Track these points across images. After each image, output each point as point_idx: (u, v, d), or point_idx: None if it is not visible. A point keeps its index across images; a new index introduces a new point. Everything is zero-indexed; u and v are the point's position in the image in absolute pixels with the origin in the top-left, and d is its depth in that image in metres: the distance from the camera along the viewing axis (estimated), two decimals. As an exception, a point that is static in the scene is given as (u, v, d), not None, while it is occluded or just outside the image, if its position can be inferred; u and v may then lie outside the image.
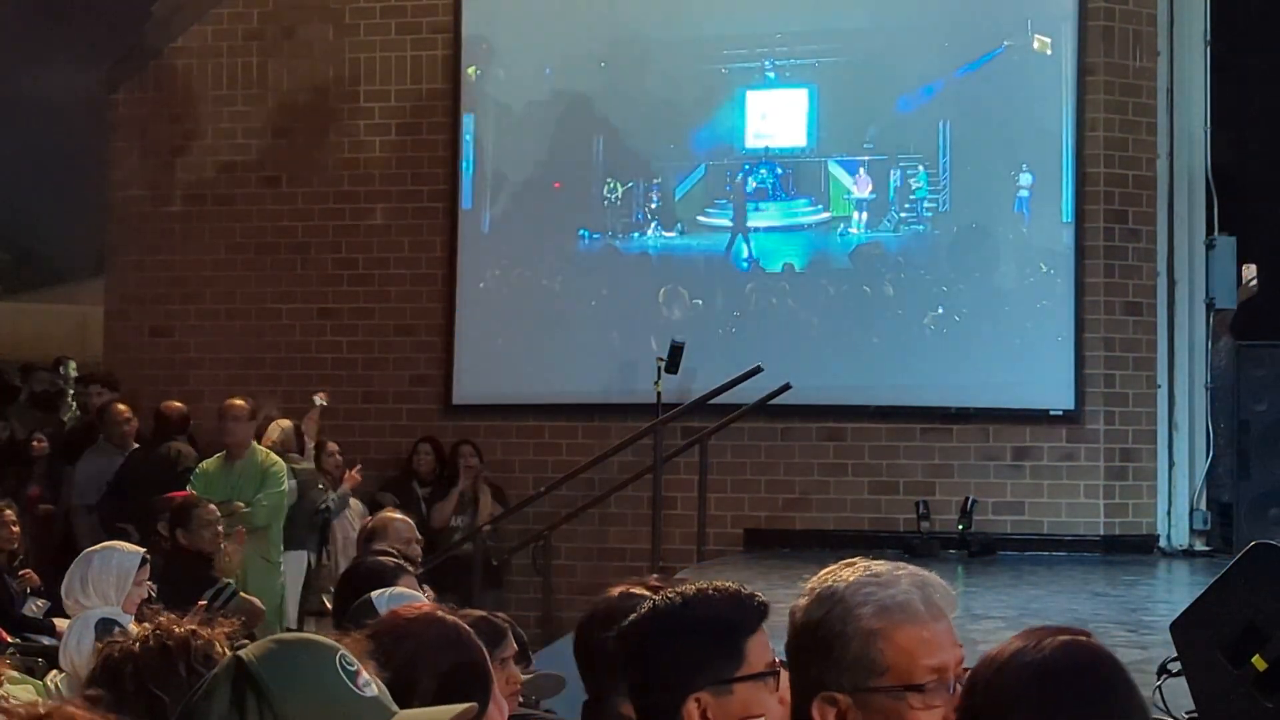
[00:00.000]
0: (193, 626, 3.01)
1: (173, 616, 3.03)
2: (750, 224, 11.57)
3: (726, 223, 11.62)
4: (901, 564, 2.29)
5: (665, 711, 2.49)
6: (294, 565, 9.58)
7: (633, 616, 2.62)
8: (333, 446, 10.58)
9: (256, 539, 8.68)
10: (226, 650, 2.82)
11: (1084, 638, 2.06)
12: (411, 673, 2.75)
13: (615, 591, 3.28)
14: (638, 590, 3.22)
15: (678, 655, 2.50)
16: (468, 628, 2.97)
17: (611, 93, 11.89)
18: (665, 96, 11.77)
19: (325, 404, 10.81)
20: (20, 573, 8.53)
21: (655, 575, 3.36)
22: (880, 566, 2.25)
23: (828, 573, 2.25)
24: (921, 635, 2.19)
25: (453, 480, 11.01)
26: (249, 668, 1.84)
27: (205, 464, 9.30)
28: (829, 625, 2.16)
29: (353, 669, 1.85)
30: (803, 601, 2.22)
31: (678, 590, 2.63)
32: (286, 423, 10.08)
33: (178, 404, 10.03)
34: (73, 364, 12.66)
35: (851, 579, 2.20)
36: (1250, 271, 11.69)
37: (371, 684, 1.87)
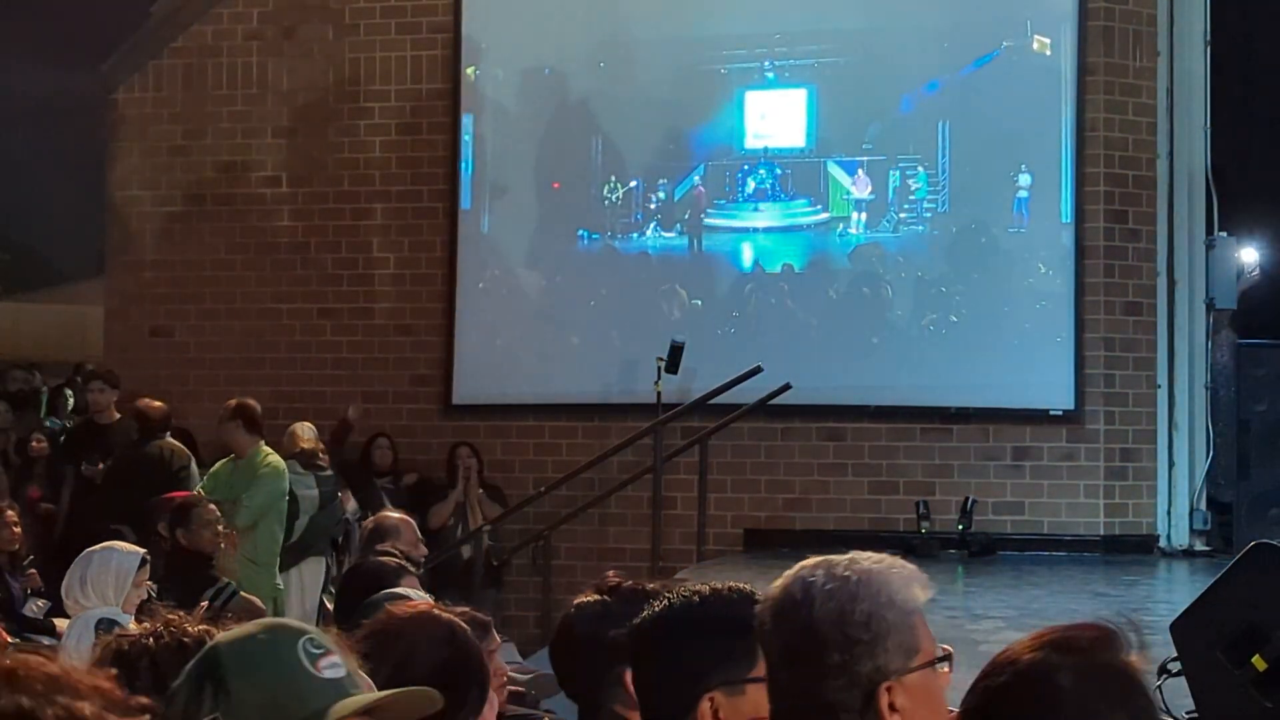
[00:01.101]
0: (205, 626, 3.02)
1: (182, 614, 3.04)
2: (710, 222, 11.59)
3: (726, 223, 11.62)
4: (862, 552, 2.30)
5: (676, 709, 2.50)
6: (312, 571, 9.56)
7: (648, 613, 2.63)
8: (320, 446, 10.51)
9: (242, 540, 8.66)
10: None
11: (1105, 651, 2.04)
12: (408, 671, 2.75)
13: (573, 606, 3.26)
14: (590, 598, 3.22)
15: (695, 652, 2.52)
16: (463, 625, 2.98)
17: (611, 93, 11.89)
18: (664, 97, 11.77)
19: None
20: (28, 572, 8.55)
21: (612, 571, 3.35)
22: (872, 554, 2.27)
23: (832, 569, 2.23)
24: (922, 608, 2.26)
25: (450, 482, 10.99)
26: (214, 651, 1.89)
27: (217, 465, 9.33)
28: (880, 616, 2.17)
29: (318, 651, 1.87)
30: (816, 600, 2.20)
31: (693, 589, 2.65)
32: (311, 426, 10.04)
33: (159, 403, 9.96)
34: (91, 368, 12.67)
35: (874, 568, 2.23)
36: (1251, 257, 11.68)
37: (340, 667, 1.88)
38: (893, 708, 2.15)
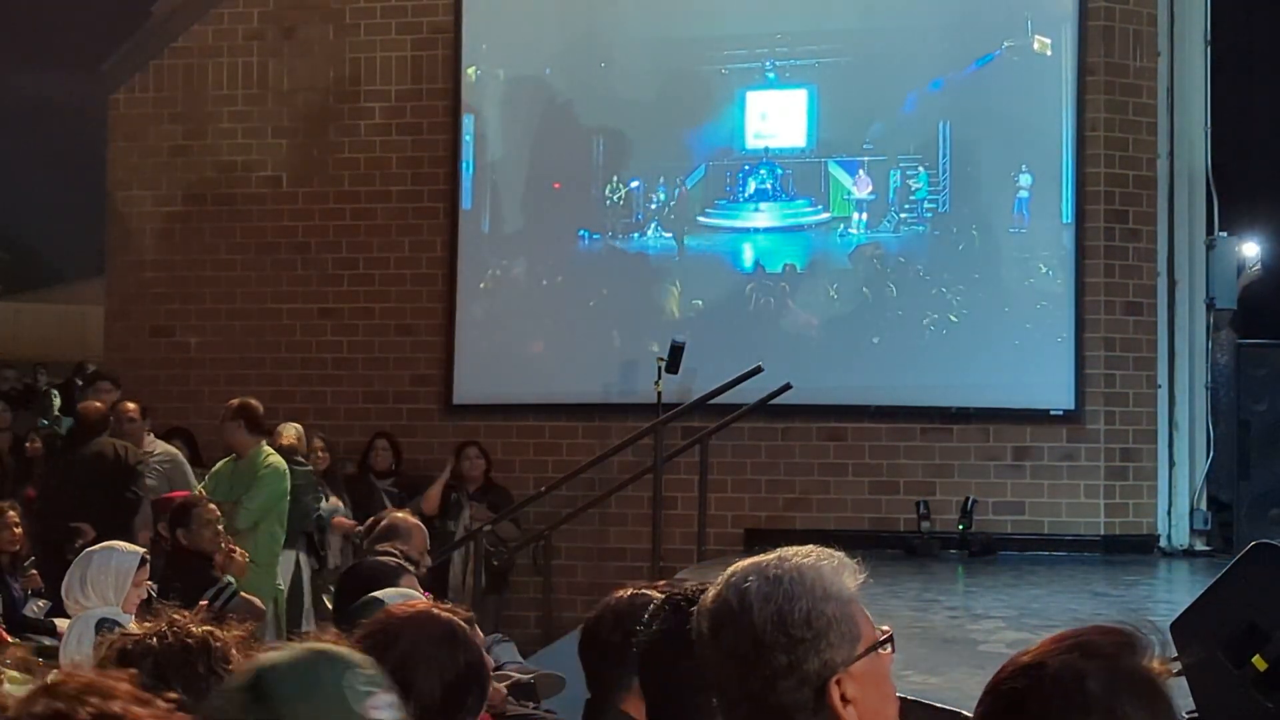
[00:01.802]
0: (210, 628, 3.02)
1: (187, 615, 3.04)
2: (711, 222, 11.58)
3: (727, 223, 11.62)
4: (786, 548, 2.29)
5: (708, 711, 2.51)
6: (283, 566, 9.56)
7: (667, 618, 2.62)
8: (318, 443, 10.51)
9: (240, 541, 8.66)
10: (239, 653, 2.84)
11: (1130, 655, 2.04)
12: (408, 672, 2.75)
13: (626, 592, 3.28)
14: (649, 591, 3.23)
15: None
16: (463, 625, 2.97)
17: (611, 93, 11.88)
18: (665, 97, 11.76)
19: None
20: (29, 573, 8.56)
21: (664, 581, 3.37)
22: (800, 549, 2.26)
23: (763, 572, 2.21)
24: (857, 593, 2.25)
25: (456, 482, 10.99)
26: (262, 675, 1.85)
27: (218, 465, 9.36)
28: (819, 611, 2.16)
29: (365, 691, 1.84)
30: (754, 606, 2.19)
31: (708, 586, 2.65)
32: (297, 426, 10.07)
33: (97, 404, 10.09)
34: (92, 368, 12.70)
35: (805, 563, 2.22)
36: (1253, 251, 11.67)
37: (391, 709, 1.86)
38: (845, 699, 2.15)
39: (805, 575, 2.19)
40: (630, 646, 2.91)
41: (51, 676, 1.49)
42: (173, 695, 1.65)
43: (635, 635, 2.85)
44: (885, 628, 2.24)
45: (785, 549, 2.26)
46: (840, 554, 2.26)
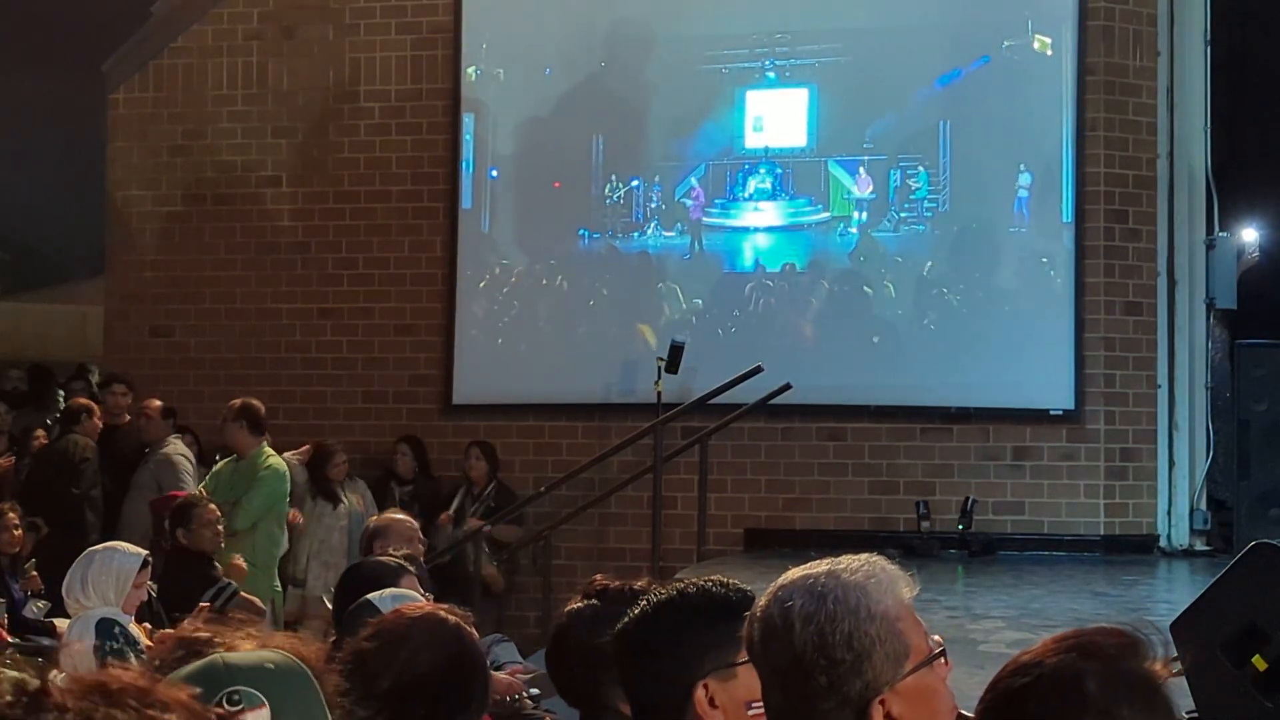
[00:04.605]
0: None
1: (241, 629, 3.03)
2: (711, 221, 11.59)
3: (727, 222, 11.63)
4: (841, 556, 2.24)
5: (671, 703, 2.52)
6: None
7: (630, 616, 2.65)
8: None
9: (238, 542, 8.65)
10: None
11: (1130, 657, 2.04)
12: (413, 671, 2.76)
13: (564, 614, 3.28)
14: (580, 604, 3.24)
15: (684, 644, 2.56)
16: (468, 626, 2.99)
17: (611, 93, 11.89)
18: (665, 96, 11.77)
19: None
20: (29, 574, 8.56)
21: (600, 575, 3.37)
22: (854, 560, 2.21)
23: (810, 588, 2.16)
24: (911, 605, 2.20)
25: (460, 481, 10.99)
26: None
27: (219, 464, 9.36)
28: (862, 633, 2.12)
29: (231, 709, 1.79)
30: (796, 625, 2.14)
31: (670, 587, 2.68)
32: None
33: (83, 399, 10.18)
34: (97, 370, 12.70)
35: (852, 580, 2.16)
36: (1251, 237, 11.66)
37: None
38: (889, 718, 2.11)
39: (850, 595, 2.14)
40: (596, 653, 2.91)
41: (101, 676, 1.44)
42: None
43: (598, 643, 2.86)
44: (937, 638, 2.19)
45: (841, 560, 2.20)
46: (893, 567, 2.20)
